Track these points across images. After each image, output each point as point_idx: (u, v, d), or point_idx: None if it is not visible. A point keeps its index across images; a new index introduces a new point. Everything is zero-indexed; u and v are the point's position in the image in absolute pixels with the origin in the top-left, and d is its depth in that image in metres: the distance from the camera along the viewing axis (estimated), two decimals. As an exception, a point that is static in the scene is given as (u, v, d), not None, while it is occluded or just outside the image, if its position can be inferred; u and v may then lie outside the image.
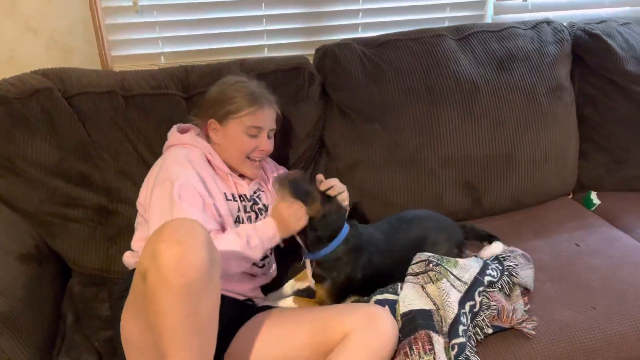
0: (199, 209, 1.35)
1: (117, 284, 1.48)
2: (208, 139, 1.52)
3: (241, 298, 1.44)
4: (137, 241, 1.47)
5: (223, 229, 1.41)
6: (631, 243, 1.74)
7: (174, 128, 1.56)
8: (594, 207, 2.00)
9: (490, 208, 1.91)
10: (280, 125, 1.62)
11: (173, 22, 1.90)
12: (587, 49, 2.01)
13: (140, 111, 1.66)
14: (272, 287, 1.57)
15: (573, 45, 2.03)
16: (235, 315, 1.36)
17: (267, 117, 1.50)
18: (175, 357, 1.05)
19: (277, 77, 1.77)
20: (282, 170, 1.73)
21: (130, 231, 1.53)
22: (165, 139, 1.61)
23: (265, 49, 2.01)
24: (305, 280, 1.56)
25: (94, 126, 1.61)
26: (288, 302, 1.48)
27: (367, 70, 1.81)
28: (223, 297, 1.34)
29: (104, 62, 1.85)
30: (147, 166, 1.64)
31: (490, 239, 1.59)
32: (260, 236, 1.36)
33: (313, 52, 1.92)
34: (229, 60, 1.81)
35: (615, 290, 1.49)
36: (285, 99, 1.76)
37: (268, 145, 1.51)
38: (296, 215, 1.37)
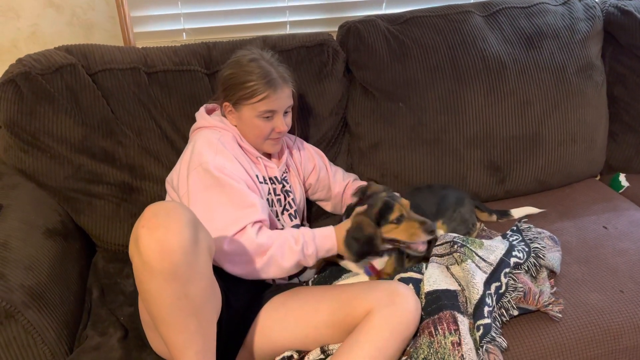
0: (245, 186, 1.34)
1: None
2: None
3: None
4: None
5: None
6: (660, 226, 1.70)
7: (202, 109, 1.54)
8: (623, 190, 1.96)
9: (515, 189, 1.87)
10: (298, 100, 1.58)
11: (195, -2, 1.88)
12: (620, 26, 1.94)
13: (163, 88, 1.65)
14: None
15: (605, 22, 1.96)
16: (254, 297, 1.36)
17: (281, 100, 1.44)
18: (172, 340, 1.06)
19: (300, 54, 1.74)
20: (309, 148, 1.70)
21: (154, 208, 1.54)
22: (188, 115, 1.61)
23: (288, 25, 1.98)
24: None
25: (117, 103, 1.61)
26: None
27: (392, 48, 1.78)
28: (239, 280, 1.37)
29: (126, 39, 1.84)
30: (171, 143, 1.65)
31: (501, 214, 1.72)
32: (317, 246, 1.36)
33: (336, 29, 1.88)
34: (251, 37, 1.79)
35: (643, 275, 1.46)
36: (309, 76, 1.74)
37: (284, 125, 1.46)
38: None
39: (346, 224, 1.38)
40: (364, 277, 1.46)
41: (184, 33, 1.91)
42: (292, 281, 1.50)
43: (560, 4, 1.94)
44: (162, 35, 1.89)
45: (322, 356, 1.24)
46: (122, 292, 1.51)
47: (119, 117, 1.61)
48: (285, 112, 1.48)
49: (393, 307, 1.17)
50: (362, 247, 1.34)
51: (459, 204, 1.64)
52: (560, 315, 1.31)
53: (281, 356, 1.26)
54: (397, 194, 1.44)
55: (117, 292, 1.51)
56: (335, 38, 1.85)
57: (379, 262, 1.45)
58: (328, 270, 1.52)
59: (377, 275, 1.44)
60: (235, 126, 1.48)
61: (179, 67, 1.68)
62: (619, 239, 1.63)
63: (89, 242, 1.67)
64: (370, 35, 1.78)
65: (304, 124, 1.75)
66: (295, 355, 1.26)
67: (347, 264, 1.48)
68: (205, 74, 1.70)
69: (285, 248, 1.32)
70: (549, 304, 1.32)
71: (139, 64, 1.64)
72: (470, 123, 1.79)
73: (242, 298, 1.34)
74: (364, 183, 1.66)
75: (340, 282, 1.47)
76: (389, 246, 1.39)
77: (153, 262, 0.97)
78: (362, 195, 1.50)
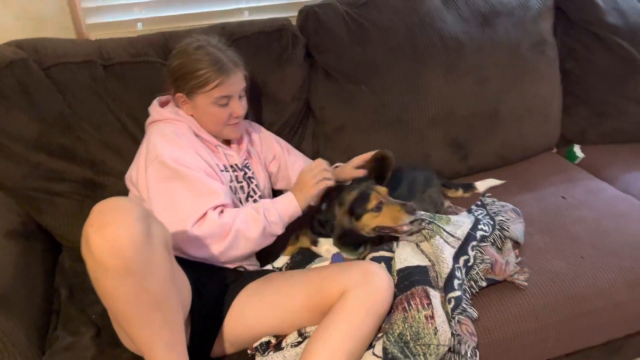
0: (203, 174, 1.34)
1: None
2: None
3: (231, 266, 1.43)
4: None
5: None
6: (614, 193, 1.78)
7: (155, 102, 1.51)
8: (578, 160, 2.04)
9: (477, 165, 1.93)
10: (258, 86, 1.57)
11: (148, -13, 1.83)
12: (569, 2, 2.00)
13: (120, 80, 1.61)
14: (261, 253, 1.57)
15: (556, -2, 2.02)
16: (227, 285, 1.36)
17: (235, 84, 1.42)
18: (138, 336, 1.05)
19: (260, 39, 1.73)
20: (270, 136, 1.70)
21: (120, 203, 1.51)
22: (147, 107, 1.57)
23: (246, 12, 1.95)
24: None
25: (73, 97, 1.56)
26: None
27: (351, 31, 1.78)
28: (212, 268, 1.36)
29: (79, 31, 1.78)
30: (132, 137, 1.61)
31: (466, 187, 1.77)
32: (279, 211, 1.37)
33: (295, 13, 1.87)
34: (209, 25, 1.76)
35: (601, 240, 1.53)
36: (269, 62, 1.73)
37: (240, 109, 1.45)
38: (316, 176, 1.39)
39: (300, 185, 1.42)
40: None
41: (138, 23, 1.87)
42: (265, 267, 1.51)
43: (512, -18, 1.99)
44: (117, 26, 1.84)
45: (299, 339, 1.26)
46: (92, 291, 1.43)
47: (76, 112, 1.56)
48: (240, 96, 1.47)
49: (367, 286, 1.19)
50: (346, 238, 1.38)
51: (428, 185, 1.67)
52: (526, 284, 1.37)
53: (259, 342, 1.27)
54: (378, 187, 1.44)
55: (86, 290, 1.47)
56: (294, 23, 1.84)
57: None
58: (300, 255, 1.53)
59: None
60: (192, 116, 1.46)
61: (136, 58, 1.64)
62: (577, 207, 1.70)
63: (53, 242, 1.62)
64: (329, 19, 1.78)
65: (267, 110, 1.75)
66: (273, 340, 1.27)
67: (319, 250, 1.49)
68: (164, 65, 1.66)
69: (248, 220, 1.33)
70: (515, 273, 1.37)
71: (94, 56, 1.59)
72: (431, 102, 1.82)
73: (214, 288, 1.34)
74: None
75: (313, 266, 1.48)
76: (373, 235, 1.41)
77: (105, 260, 0.95)
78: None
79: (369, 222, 1.34)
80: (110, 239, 0.94)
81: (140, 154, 1.41)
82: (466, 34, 1.85)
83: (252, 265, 1.48)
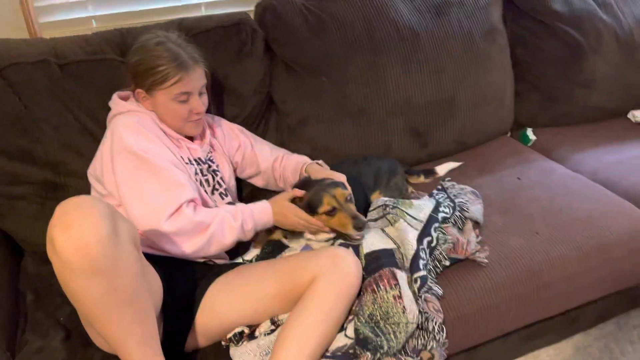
0: (172, 166, 1.34)
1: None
2: None
3: (201, 260, 1.43)
4: None
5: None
6: (566, 173, 1.88)
7: (115, 96, 1.50)
8: (531, 143, 2.13)
9: (437, 152, 1.99)
10: (218, 80, 1.57)
11: (101, -17, 1.81)
12: (518, -9, 2.09)
13: (77, 79, 1.58)
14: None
15: (504, -13, 2.10)
16: (198, 279, 1.37)
17: (195, 80, 1.42)
18: (111, 335, 1.05)
19: (218, 34, 1.73)
20: (233, 126, 1.71)
21: (82, 204, 1.49)
22: (107, 106, 1.56)
23: (203, 7, 1.95)
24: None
25: (29, 99, 1.53)
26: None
27: (310, 24, 1.81)
28: (182, 261, 1.37)
29: (31, 31, 1.74)
30: (92, 136, 1.59)
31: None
32: (255, 220, 1.38)
33: (252, 8, 1.88)
34: (166, 21, 1.75)
35: (554, 217, 1.61)
36: (229, 56, 1.74)
37: (201, 106, 1.45)
38: (287, 221, 1.41)
39: (282, 196, 1.42)
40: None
41: (93, 20, 1.84)
42: (236, 260, 1.52)
43: (462, -27, 2.06)
44: (70, 24, 1.80)
45: (272, 327, 1.28)
46: (59, 294, 1.42)
47: (33, 113, 1.53)
48: (201, 93, 1.47)
49: (335, 271, 1.23)
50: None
51: (393, 173, 1.73)
52: (486, 261, 1.43)
53: (232, 333, 1.29)
54: (334, 180, 1.46)
55: (53, 294, 1.45)
56: (252, 17, 1.85)
57: (318, 245, 1.49)
58: (271, 246, 1.55)
59: None
60: (152, 111, 1.46)
61: (92, 56, 1.61)
62: (531, 188, 1.78)
63: (14, 247, 1.59)
64: (287, 12, 1.79)
65: (229, 104, 1.75)
66: (246, 330, 1.29)
67: (289, 241, 1.52)
68: (122, 62, 1.64)
69: (224, 225, 1.34)
70: (476, 251, 1.44)
71: (49, 55, 1.56)
72: (391, 93, 1.87)
73: (184, 283, 1.35)
74: (299, 157, 1.70)
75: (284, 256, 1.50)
76: (328, 235, 1.45)
77: (72, 260, 0.94)
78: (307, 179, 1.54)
79: (322, 221, 1.38)
80: (76, 238, 0.94)
81: (104, 146, 1.39)
82: (421, 25, 1.91)
83: (221, 259, 1.49)
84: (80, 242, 0.94)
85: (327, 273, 1.22)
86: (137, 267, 1.05)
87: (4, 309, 1.35)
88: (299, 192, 1.42)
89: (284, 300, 1.28)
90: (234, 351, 1.27)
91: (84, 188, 1.57)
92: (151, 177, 1.31)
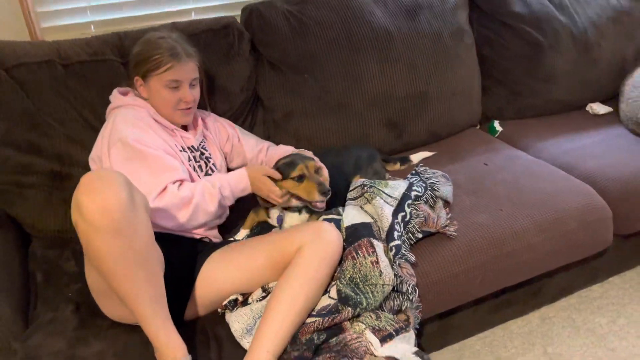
0: (163, 153, 1.48)
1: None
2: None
3: (197, 236, 1.58)
4: None
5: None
6: (529, 158, 2.06)
7: (115, 91, 1.65)
8: (498, 134, 2.32)
9: (411, 142, 2.16)
10: (205, 74, 1.73)
11: (99, -9, 1.95)
12: (482, -5, 2.28)
13: (80, 78, 1.73)
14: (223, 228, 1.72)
15: (469, -8, 2.29)
16: (196, 253, 1.51)
17: (186, 70, 1.57)
18: (126, 291, 1.19)
19: (208, 36, 1.88)
20: (222, 120, 1.86)
21: (86, 192, 1.63)
22: (108, 103, 1.70)
23: (193, 12, 2.10)
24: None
25: (36, 96, 1.67)
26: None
27: (292, 26, 1.97)
28: (180, 238, 1.51)
29: (33, 35, 1.87)
30: (95, 130, 1.71)
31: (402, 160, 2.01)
32: (232, 187, 1.53)
33: (239, 12, 2.04)
34: (160, 25, 1.89)
35: (517, 196, 1.78)
36: (218, 57, 1.89)
37: (191, 95, 1.59)
38: (265, 190, 1.55)
39: (260, 169, 1.58)
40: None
41: (92, 25, 1.98)
42: (228, 240, 1.67)
43: (431, -21, 2.24)
44: (70, 28, 1.94)
45: (264, 294, 1.43)
46: (66, 273, 1.59)
47: (40, 109, 1.67)
48: (192, 85, 1.61)
49: (319, 240, 1.38)
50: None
51: (371, 160, 1.90)
52: (455, 234, 1.60)
53: (227, 300, 1.43)
54: (311, 155, 1.64)
55: (60, 274, 1.58)
56: (239, 21, 2.01)
57: (292, 217, 1.64)
58: (259, 227, 1.70)
59: None
60: (147, 100, 1.60)
61: (93, 57, 1.75)
62: (497, 172, 1.96)
63: (22, 234, 1.71)
64: (271, 16, 1.96)
65: (218, 101, 1.90)
66: (240, 298, 1.43)
67: (273, 219, 1.67)
68: (121, 63, 1.79)
69: (205, 194, 1.49)
70: (446, 225, 1.60)
71: (53, 56, 1.70)
72: (368, 88, 2.03)
73: (183, 257, 1.48)
74: (286, 147, 1.85)
75: (273, 233, 1.65)
76: (296, 201, 1.59)
77: (96, 221, 1.10)
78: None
79: (289, 186, 1.54)
80: (100, 202, 1.09)
81: (104, 136, 1.54)
82: (394, 25, 2.08)
83: (216, 238, 1.64)
84: (104, 205, 1.09)
85: (312, 242, 1.37)
86: (150, 231, 1.21)
87: (17, 287, 1.47)
88: (277, 175, 1.57)
89: (274, 269, 1.42)
90: (229, 316, 1.41)
91: (87, 178, 1.70)
92: (142, 164, 1.46)
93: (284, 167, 1.56)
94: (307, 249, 1.37)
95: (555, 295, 2.02)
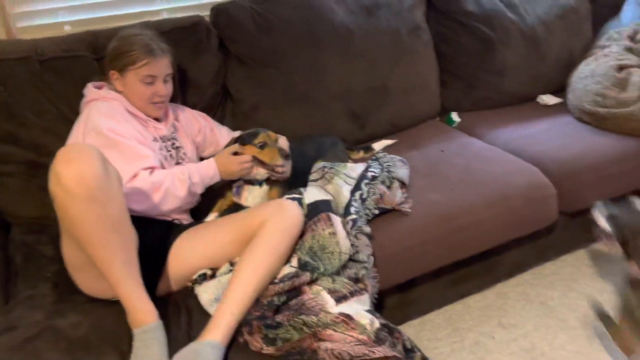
0: (136, 142, 1.58)
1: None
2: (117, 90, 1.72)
3: (169, 219, 1.68)
4: None
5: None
6: (482, 145, 2.20)
7: (89, 85, 1.74)
8: (455, 125, 2.46)
9: (374, 133, 2.29)
10: (177, 70, 1.83)
11: (74, -8, 2.05)
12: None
13: (56, 73, 1.82)
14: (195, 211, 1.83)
15: (426, -9, 2.44)
16: (167, 234, 1.60)
17: (160, 66, 1.68)
18: (100, 256, 1.28)
19: (178, 34, 1.99)
20: (194, 112, 1.97)
21: (62, 180, 1.72)
22: (82, 96, 1.80)
23: (164, 12, 2.21)
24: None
25: (14, 89, 1.76)
26: None
27: (258, 23, 2.10)
28: (153, 220, 1.61)
29: (10, 35, 1.96)
30: (69, 122, 1.79)
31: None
32: (201, 174, 1.63)
33: (208, 12, 2.16)
34: (132, 24, 2.00)
35: (468, 177, 1.92)
36: (188, 52, 2.00)
37: (165, 90, 1.70)
38: (235, 166, 1.67)
39: (225, 150, 1.71)
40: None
41: (66, 26, 2.07)
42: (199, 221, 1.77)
43: (389, -21, 2.38)
44: (46, 28, 2.03)
45: (230, 268, 1.53)
46: (44, 256, 1.67)
47: (18, 102, 1.76)
48: (166, 80, 1.72)
49: (281, 214, 1.49)
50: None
51: (334, 146, 2.03)
52: (410, 210, 1.73)
53: (197, 274, 1.52)
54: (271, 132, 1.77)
55: (38, 256, 1.67)
56: (207, 19, 2.13)
57: (253, 190, 1.76)
58: (228, 210, 1.80)
59: None
60: (121, 93, 1.70)
61: (68, 53, 1.85)
62: (452, 157, 2.09)
63: (2, 222, 1.80)
64: (238, 14, 2.08)
65: (189, 94, 2.01)
66: (209, 272, 1.53)
67: (239, 199, 1.78)
68: (94, 59, 1.88)
69: (175, 180, 1.59)
70: (401, 203, 1.73)
71: (30, 53, 1.79)
72: (331, 81, 2.17)
73: (154, 237, 1.57)
74: None
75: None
76: (261, 170, 1.71)
77: (73, 189, 1.20)
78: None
79: (251, 152, 1.68)
80: (77, 171, 1.20)
81: (79, 127, 1.64)
82: (355, 23, 2.22)
83: (187, 220, 1.74)
84: (79, 173, 1.20)
85: (274, 216, 1.48)
86: (123, 202, 1.31)
87: (1, 267, 1.56)
88: (238, 148, 1.70)
89: (240, 245, 1.52)
90: (198, 289, 1.50)
91: (64, 167, 1.80)
92: (116, 152, 1.55)
93: (247, 137, 1.70)
94: (270, 222, 1.47)
95: (510, 271, 2.16)
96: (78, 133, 1.63)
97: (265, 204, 1.57)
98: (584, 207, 1.82)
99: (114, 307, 1.42)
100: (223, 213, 1.80)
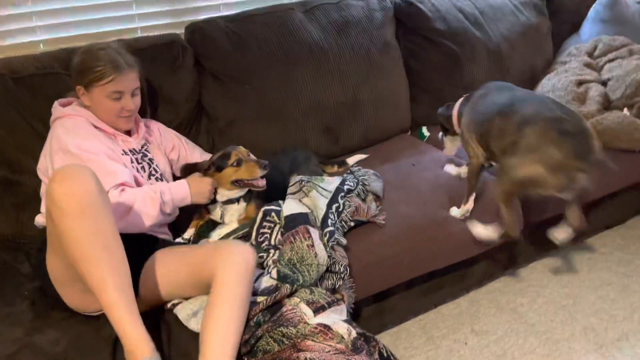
0: (104, 157, 1.59)
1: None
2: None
3: (149, 233, 1.66)
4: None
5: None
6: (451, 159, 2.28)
7: (56, 103, 1.72)
8: (426, 138, 2.54)
9: (347, 147, 2.35)
10: (145, 82, 1.83)
11: (48, 11, 2.06)
12: (405, 13, 2.52)
13: (30, 90, 1.82)
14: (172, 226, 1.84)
15: (395, 10, 2.52)
16: (144, 248, 1.58)
17: (127, 81, 1.66)
18: (92, 274, 1.26)
19: (154, 51, 2.02)
20: (169, 131, 1.98)
21: (37, 197, 1.72)
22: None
23: (139, 31, 2.23)
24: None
25: (-12, 107, 1.76)
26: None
27: (232, 41, 2.14)
28: (128, 235, 1.59)
29: (-18, 53, 1.96)
30: (43, 139, 1.78)
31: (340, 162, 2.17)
32: (172, 194, 1.64)
33: (183, 31, 2.19)
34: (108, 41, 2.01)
35: (438, 191, 1.98)
36: (163, 69, 2.03)
37: (132, 104, 1.69)
38: (202, 192, 1.69)
39: (197, 174, 1.72)
40: (233, 227, 1.79)
41: (41, 44, 2.07)
42: (176, 240, 1.78)
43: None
44: (21, 47, 2.02)
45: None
46: (21, 274, 1.66)
47: (-10, 119, 1.75)
48: (134, 94, 1.72)
49: (230, 261, 1.40)
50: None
51: (307, 161, 2.07)
52: (384, 222, 1.78)
53: (171, 303, 1.50)
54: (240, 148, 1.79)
55: (15, 274, 1.66)
56: (183, 37, 2.16)
57: (231, 209, 1.78)
58: (205, 225, 1.83)
59: None
60: (89, 108, 1.69)
61: (42, 71, 1.86)
62: (423, 171, 2.16)
63: (-26, 240, 1.78)
64: (212, 32, 2.12)
65: (165, 110, 2.04)
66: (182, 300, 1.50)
67: (214, 215, 1.81)
68: (68, 75, 1.88)
69: (147, 199, 1.59)
70: (376, 215, 1.78)
71: (4, 71, 1.80)
72: (304, 97, 2.22)
73: (132, 251, 1.56)
74: None
75: (215, 232, 1.79)
76: (238, 191, 1.74)
77: (67, 205, 1.23)
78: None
79: (230, 175, 1.70)
80: (70, 189, 1.23)
81: (46, 147, 1.64)
82: (326, 40, 2.28)
83: (164, 234, 1.75)
84: (71, 190, 1.24)
85: (226, 266, 1.39)
86: (114, 219, 1.32)
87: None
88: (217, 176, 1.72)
89: (196, 287, 1.48)
90: (175, 309, 1.48)
91: (35, 184, 1.77)
92: None
93: (220, 160, 1.72)
94: (222, 272, 1.39)
95: (481, 279, 2.23)
96: (46, 155, 1.63)
97: (213, 249, 1.48)
98: (549, 217, 1.91)
99: (93, 323, 1.44)
100: (200, 229, 1.82)
